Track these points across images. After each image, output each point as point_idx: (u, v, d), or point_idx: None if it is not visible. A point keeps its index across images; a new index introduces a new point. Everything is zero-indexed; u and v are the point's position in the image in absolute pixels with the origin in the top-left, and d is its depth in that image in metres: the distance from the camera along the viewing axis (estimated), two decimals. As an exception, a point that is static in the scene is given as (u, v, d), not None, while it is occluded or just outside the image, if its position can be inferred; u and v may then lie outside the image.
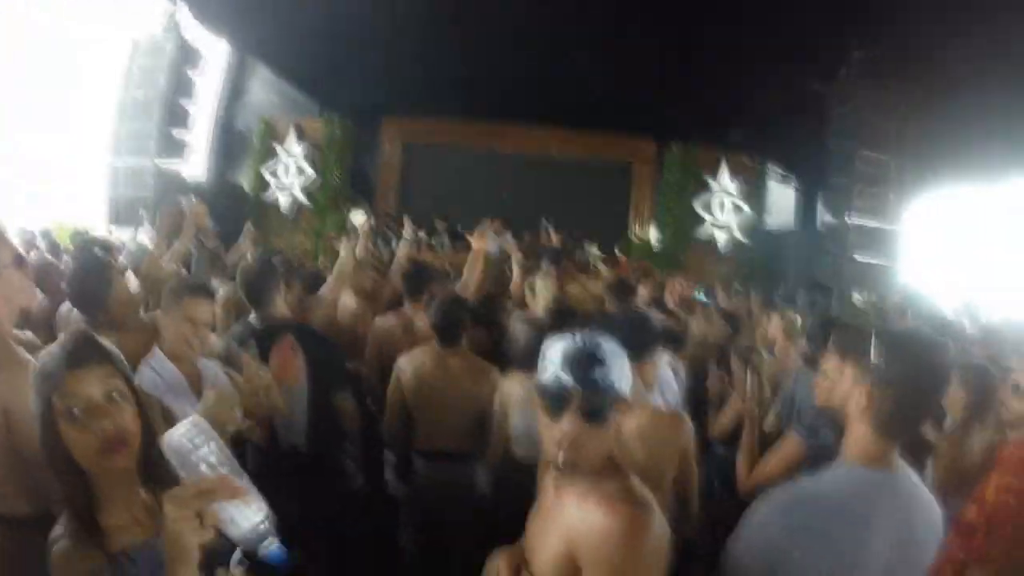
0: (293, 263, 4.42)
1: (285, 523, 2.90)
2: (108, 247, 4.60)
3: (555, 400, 1.52)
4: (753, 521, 1.70)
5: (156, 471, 1.48)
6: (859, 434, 1.71)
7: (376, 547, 3.81)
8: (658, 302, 5.39)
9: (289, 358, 3.19)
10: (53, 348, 1.48)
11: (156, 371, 2.59)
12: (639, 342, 2.25)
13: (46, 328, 3.79)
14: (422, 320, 3.87)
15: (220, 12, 10.78)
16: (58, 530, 1.44)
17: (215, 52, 11.59)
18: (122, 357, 1.56)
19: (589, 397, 1.50)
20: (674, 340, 3.89)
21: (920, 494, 1.72)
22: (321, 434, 3.32)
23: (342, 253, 4.37)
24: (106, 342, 1.54)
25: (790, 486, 1.73)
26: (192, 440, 1.18)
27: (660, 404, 2.71)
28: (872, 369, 1.70)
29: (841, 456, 1.75)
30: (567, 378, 1.51)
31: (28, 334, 2.56)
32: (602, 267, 6.24)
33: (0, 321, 2.16)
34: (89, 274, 3.16)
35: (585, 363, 1.51)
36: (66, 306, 3.65)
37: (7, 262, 2.16)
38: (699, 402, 4.11)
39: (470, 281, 4.48)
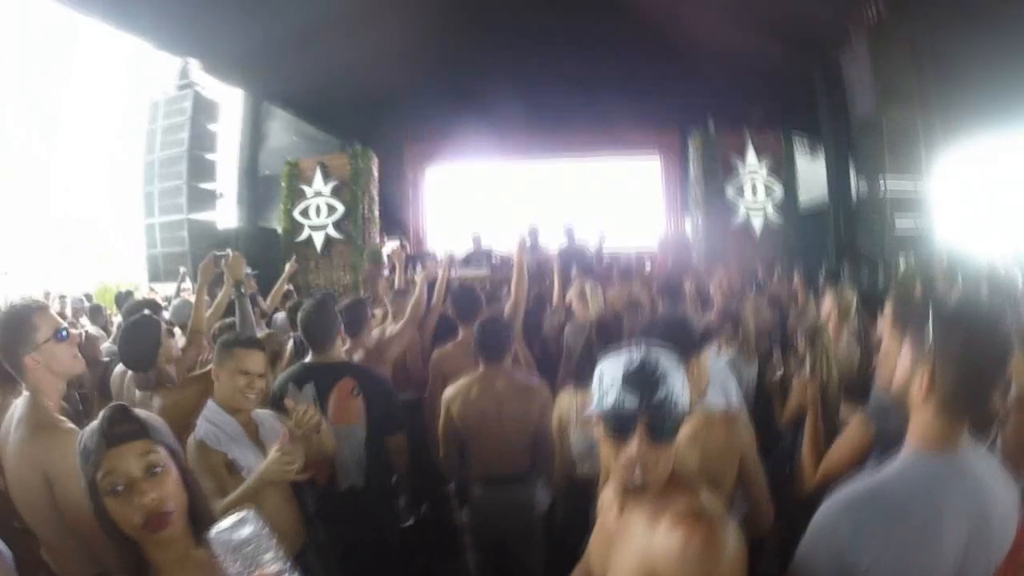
0: (361, 301, 4.47)
1: (347, 558, 2.96)
2: (153, 306, 4.69)
3: (622, 424, 1.50)
4: (819, 523, 1.62)
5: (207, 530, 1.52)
6: (923, 418, 1.63)
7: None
8: (703, 296, 5.33)
9: (349, 400, 3.26)
10: (93, 426, 1.52)
11: (213, 422, 2.64)
12: (681, 345, 2.21)
13: (101, 392, 3.91)
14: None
15: (232, 63, 10.99)
16: None
17: (232, 102, 11.80)
18: (162, 426, 1.60)
19: (656, 418, 1.48)
20: (716, 335, 3.81)
21: (992, 472, 1.63)
22: (376, 473, 3.34)
23: (415, 291, 4.41)
24: (144, 414, 1.57)
25: (855, 483, 1.63)
26: (235, 533, 1.20)
27: (719, 403, 2.64)
28: (930, 347, 1.63)
29: (905, 443, 1.67)
30: (632, 402, 1.49)
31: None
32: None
33: (42, 392, 2.29)
34: (138, 335, 3.29)
35: (649, 384, 1.49)
36: (120, 367, 3.73)
37: (49, 336, 2.31)
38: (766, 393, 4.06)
39: (519, 297, 4.46)
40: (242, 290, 3.87)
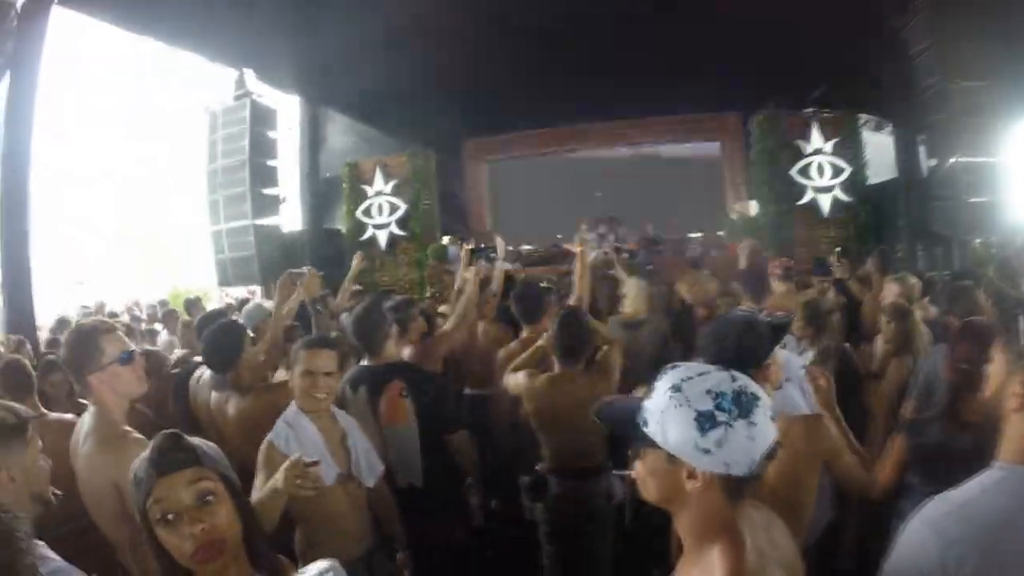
0: (409, 301, 4.53)
1: (415, 557, 2.99)
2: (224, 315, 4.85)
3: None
4: (906, 542, 1.54)
5: (262, 559, 1.57)
6: (1018, 430, 1.52)
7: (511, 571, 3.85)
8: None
9: (397, 402, 3.32)
10: (145, 454, 1.53)
11: (289, 424, 2.70)
12: (753, 349, 2.14)
13: (176, 401, 4.04)
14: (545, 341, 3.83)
15: (287, 70, 11.22)
16: None
17: (288, 108, 12.04)
18: (216, 453, 1.60)
19: (620, 422, 1.46)
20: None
21: None
22: (437, 472, 3.36)
23: (467, 289, 4.44)
24: (197, 441, 1.57)
25: (942, 498, 1.54)
26: None
27: (799, 404, 2.56)
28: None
29: (998, 456, 1.56)
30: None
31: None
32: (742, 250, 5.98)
33: (111, 409, 2.41)
34: (224, 338, 3.47)
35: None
36: (197, 374, 3.90)
37: (114, 358, 2.43)
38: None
39: (582, 293, 4.42)
40: (318, 308, 3.96)
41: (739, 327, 2.22)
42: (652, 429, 1.36)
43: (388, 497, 3.09)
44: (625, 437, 1.43)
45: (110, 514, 2.27)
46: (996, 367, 1.60)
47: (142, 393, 2.60)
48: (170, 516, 1.45)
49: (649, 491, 1.42)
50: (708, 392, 1.32)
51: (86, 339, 2.43)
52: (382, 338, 3.53)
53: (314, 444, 2.65)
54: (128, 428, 2.41)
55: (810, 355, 4.07)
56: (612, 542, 3.49)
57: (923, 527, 1.51)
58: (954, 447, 2.30)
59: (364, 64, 9.87)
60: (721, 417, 1.29)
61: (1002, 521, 1.44)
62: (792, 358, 2.92)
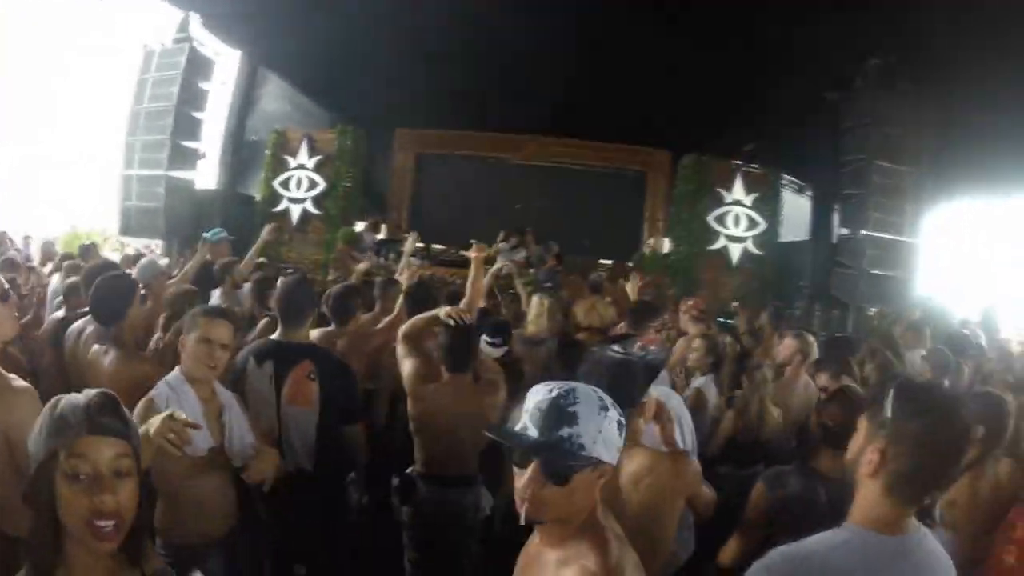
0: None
1: (290, 539, 2.91)
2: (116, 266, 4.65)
3: (519, 452, 1.44)
4: None
5: (139, 552, 1.48)
6: (869, 495, 1.57)
7: (379, 567, 3.79)
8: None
9: (305, 383, 3.21)
10: (76, 402, 1.43)
11: (172, 387, 2.61)
12: (627, 390, 2.16)
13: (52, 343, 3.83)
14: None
15: (232, 23, 10.87)
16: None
17: (227, 63, 11.64)
18: (139, 434, 1.53)
19: (551, 456, 1.40)
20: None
21: (937, 557, 1.58)
22: (328, 460, 3.28)
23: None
24: (127, 413, 1.49)
25: (787, 548, 1.58)
26: None
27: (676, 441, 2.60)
28: (885, 424, 1.57)
29: (849, 516, 1.61)
30: (532, 431, 1.42)
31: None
32: (632, 282, 6.05)
33: None
34: (114, 289, 3.34)
35: (553, 419, 1.41)
36: (79, 324, 3.67)
37: None
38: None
39: (472, 300, 4.38)
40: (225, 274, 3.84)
41: (613, 367, 2.23)
42: (596, 450, 1.41)
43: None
44: (558, 475, 1.41)
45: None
46: (859, 433, 1.67)
47: (13, 336, 2.44)
48: (82, 476, 1.36)
49: (562, 508, 1.45)
50: (601, 399, 1.46)
51: None
52: (304, 316, 3.42)
53: (193, 411, 2.51)
54: (9, 375, 2.21)
55: (702, 381, 4.21)
56: (474, 553, 3.46)
57: (763, 570, 1.56)
58: (810, 498, 2.39)
59: (311, 31, 9.68)
60: (618, 418, 1.46)
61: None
62: (671, 394, 2.98)
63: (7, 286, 2.38)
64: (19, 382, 2.19)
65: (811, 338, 4.59)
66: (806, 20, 7.79)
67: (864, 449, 1.61)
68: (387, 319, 4.36)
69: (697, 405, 4.02)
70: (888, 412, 1.56)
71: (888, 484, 1.54)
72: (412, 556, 3.49)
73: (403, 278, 5.36)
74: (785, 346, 4.52)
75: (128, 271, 4.34)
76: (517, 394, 3.48)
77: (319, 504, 3.29)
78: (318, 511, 3.29)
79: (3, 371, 2.21)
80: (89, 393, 1.45)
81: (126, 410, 1.49)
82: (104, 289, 3.32)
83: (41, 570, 1.39)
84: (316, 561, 3.35)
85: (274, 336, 3.42)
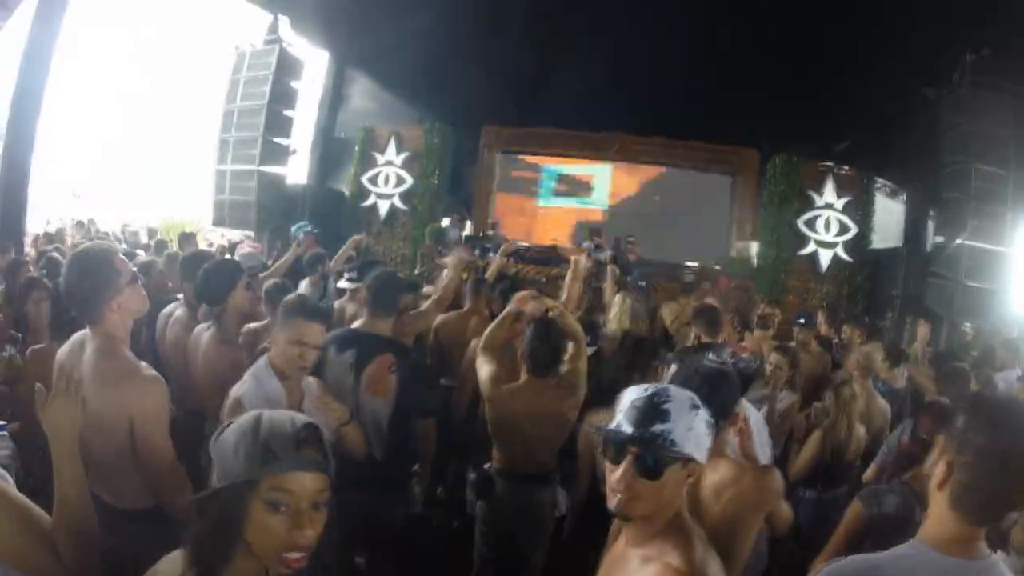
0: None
1: (350, 523, 2.95)
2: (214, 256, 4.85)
3: (614, 447, 1.51)
4: None
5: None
6: (936, 510, 1.52)
7: (450, 562, 3.82)
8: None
9: (384, 375, 3.25)
10: (285, 430, 1.41)
11: (258, 379, 2.66)
12: (723, 400, 2.12)
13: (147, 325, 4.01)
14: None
15: (320, 24, 11.16)
16: (171, 565, 1.41)
17: (316, 62, 11.96)
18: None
19: (644, 450, 1.48)
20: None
21: None
22: (398, 452, 3.33)
23: (449, 274, 4.38)
24: (327, 444, 1.47)
25: (855, 560, 1.57)
26: None
27: (756, 454, 2.56)
28: (955, 434, 1.50)
29: (918, 534, 1.56)
30: (627, 427, 1.50)
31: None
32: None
33: (118, 337, 2.29)
34: (219, 273, 3.45)
35: (647, 415, 1.49)
36: (169, 309, 3.93)
37: (130, 278, 2.32)
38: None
39: (570, 299, 4.34)
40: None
41: (710, 377, 2.19)
42: (687, 446, 1.48)
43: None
44: (650, 469, 1.49)
45: (112, 446, 2.16)
46: (936, 446, 1.62)
47: (146, 312, 2.49)
48: (283, 507, 1.35)
49: (648, 505, 1.51)
50: (691, 399, 1.54)
51: (103, 262, 2.27)
52: (391, 309, 3.48)
53: (277, 403, 2.58)
54: (141, 363, 2.26)
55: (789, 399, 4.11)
56: (546, 552, 3.46)
57: None
58: (906, 516, 2.33)
59: (398, 30, 9.81)
60: (711, 419, 1.54)
61: None
62: (750, 409, 2.91)
63: (135, 269, 2.44)
64: (150, 371, 2.24)
65: (879, 351, 4.46)
66: (904, 10, 7.48)
67: (937, 462, 1.54)
68: (429, 301, 4.30)
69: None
70: (960, 423, 1.51)
71: (953, 497, 1.48)
72: (483, 551, 3.50)
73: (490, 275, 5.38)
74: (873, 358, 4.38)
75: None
76: (599, 390, 3.49)
77: (382, 494, 3.28)
78: (380, 501, 3.28)
79: (134, 358, 2.26)
80: (296, 423, 1.43)
81: (326, 440, 1.47)
82: (210, 271, 3.45)
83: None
84: (376, 552, 3.35)
85: (356, 325, 3.49)
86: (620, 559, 1.58)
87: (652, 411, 1.49)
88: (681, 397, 1.52)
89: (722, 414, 2.05)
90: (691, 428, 1.49)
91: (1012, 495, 1.49)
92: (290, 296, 2.99)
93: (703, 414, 1.53)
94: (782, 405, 4.14)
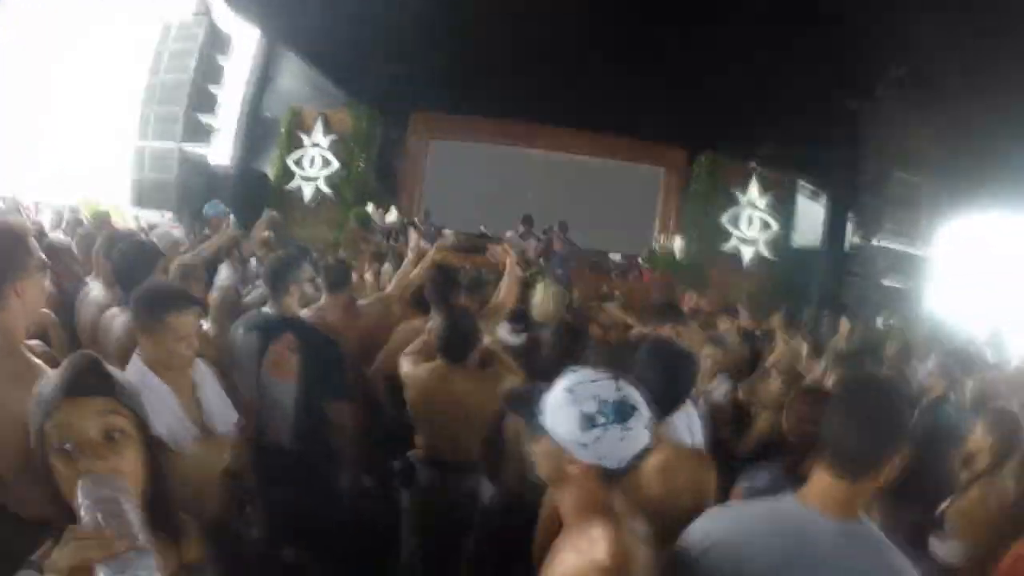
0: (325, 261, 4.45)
1: (273, 517, 2.86)
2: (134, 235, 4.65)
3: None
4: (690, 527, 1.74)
5: (160, 520, 1.33)
6: (814, 474, 1.64)
7: (376, 551, 3.76)
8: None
9: (284, 356, 3.18)
10: (55, 371, 1.33)
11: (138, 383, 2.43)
12: (686, 383, 2.22)
13: (63, 313, 3.78)
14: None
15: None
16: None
17: (245, 39, 11.61)
18: (133, 390, 1.38)
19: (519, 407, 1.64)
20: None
21: (871, 551, 1.54)
22: (306, 436, 3.24)
23: (411, 270, 4.32)
24: (116, 372, 1.36)
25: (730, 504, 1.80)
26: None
27: (684, 439, 2.58)
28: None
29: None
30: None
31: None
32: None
33: (20, 330, 1.98)
34: (138, 256, 3.27)
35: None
36: (84, 290, 3.67)
37: (40, 263, 2.00)
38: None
39: (507, 301, 4.31)
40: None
41: (677, 359, 2.23)
42: (546, 420, 1.56)
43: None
44: (525, 419, 1.63)
45: (8, 452, 1.77)
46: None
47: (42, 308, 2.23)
48: (68, 445, 1.23)
49: (541, 468, 1.61)
50: (594, 397, 1.53)
51: (17, 239, 1.95)
52: (288, 288, 3.38)
53: (168, 406, 2.31)
54: (35, 359, 1.96)
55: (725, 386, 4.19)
56: (475, 541, 3.43)
57: (704, 517, 1.78)
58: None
59: (331, 10, 9.63)
60: (600, 420, 1.51)
61: (748, 528, 1.65)
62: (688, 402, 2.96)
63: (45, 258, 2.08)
64: (43, 367, 1.92)
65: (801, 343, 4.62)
66: (831, 24, 7.72)
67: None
68: (378, 294, 4.32)
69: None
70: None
71: (825, 456, 1.60)
72: (412, 542, 3.46)
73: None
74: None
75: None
76: (535, 376, 3.47)
77: (302, 483, 3.18)
78: (301, 490, 3.16)
79: (35, 359, 1.97)
80: (65, 361, 1.33)
81: (111, 369, 1.35)
82: (129, 253, 3.26)
83: None
84: (305, 543, 3.23)
85: (265, 308, 3.42)
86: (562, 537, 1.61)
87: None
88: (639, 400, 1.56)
89: (685, 394, 2.26)
90: (556, 408, 1.55)
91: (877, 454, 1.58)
92: (144, 289, 2.57)
93: (577, 410, 1.53)
94: (719, 392, 4.21)
